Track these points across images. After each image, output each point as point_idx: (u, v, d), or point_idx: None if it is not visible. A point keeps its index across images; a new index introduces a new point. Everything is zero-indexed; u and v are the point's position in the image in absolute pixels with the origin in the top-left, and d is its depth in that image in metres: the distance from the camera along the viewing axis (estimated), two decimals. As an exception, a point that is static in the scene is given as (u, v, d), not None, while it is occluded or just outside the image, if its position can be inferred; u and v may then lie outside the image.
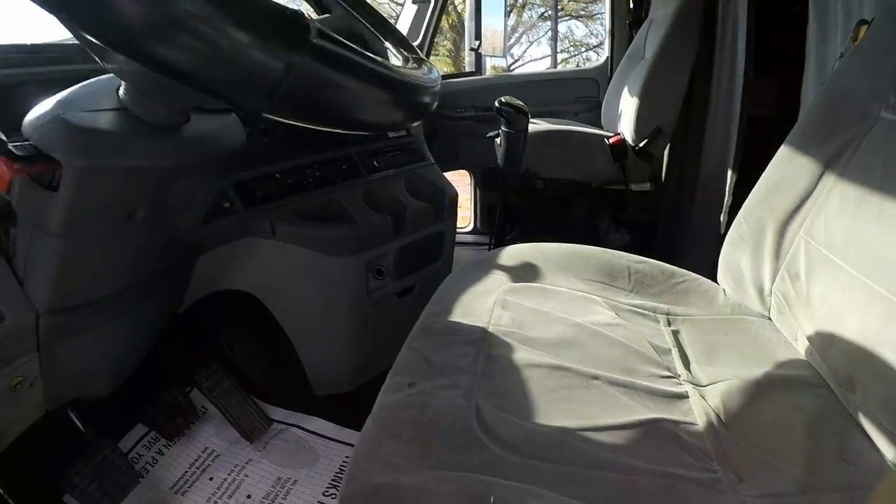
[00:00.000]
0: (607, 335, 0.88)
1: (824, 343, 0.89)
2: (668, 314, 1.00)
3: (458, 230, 2.84)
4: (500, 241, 1.76)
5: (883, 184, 0.84)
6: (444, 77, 2.74)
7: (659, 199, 2.37)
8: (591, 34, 10.52)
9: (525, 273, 1.04)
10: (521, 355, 0.79)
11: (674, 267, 1.13)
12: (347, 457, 1.30)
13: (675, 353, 0.90)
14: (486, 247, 2.31)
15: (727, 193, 1.89)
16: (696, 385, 0.84)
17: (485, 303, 0.92)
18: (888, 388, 0.75)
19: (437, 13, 2.55)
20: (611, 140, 2.05)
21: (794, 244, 0.96)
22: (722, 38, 1.97)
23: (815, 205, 0.94)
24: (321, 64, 0.53)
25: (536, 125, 2.38)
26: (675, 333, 0.96)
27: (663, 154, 2.18)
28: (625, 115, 2.21)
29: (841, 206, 0.90)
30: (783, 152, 1.02)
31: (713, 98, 2.02)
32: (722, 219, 1.91)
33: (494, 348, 0.80)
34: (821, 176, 0.94)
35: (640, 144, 2.05)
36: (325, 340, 1.40)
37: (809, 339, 0.93)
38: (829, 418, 0.82)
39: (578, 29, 10.95)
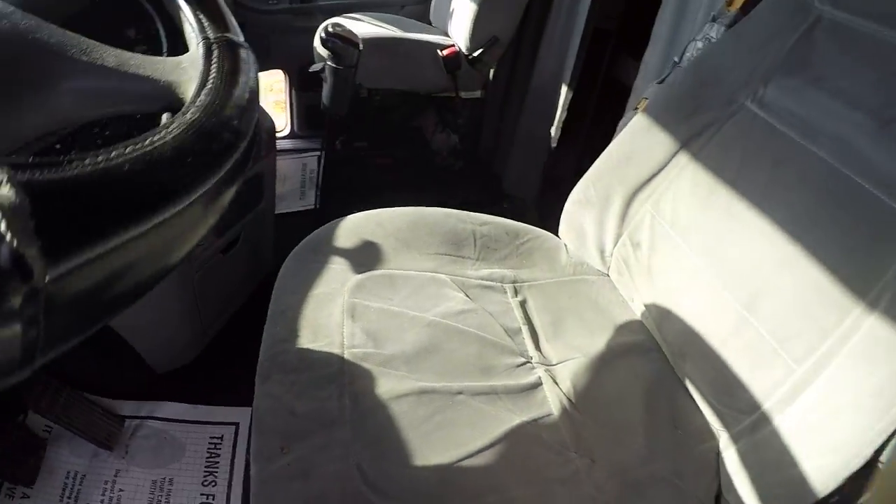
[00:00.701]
0: (461, 330, 0.88)
1: (660, 314, 0.96)
2: (514, 282, 1.02)
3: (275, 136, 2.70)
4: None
5: (736, 179, 0.88)
6: None
7: (488, 105, 2.36)
8: None
9: (367, 256, 0.99)
10: (385, 386, 0.77)
11: (518, 225, 1.13)
12: (212, 437, 1.27)
13: (524, 330, 0.93)
14: (306, 154, 2.22)
15: (560, 107, 1.90)
16: (548, 366, 0.88)
17: (332, 313, 0.86)
18: (714, 370, 0.85)
19: None
20: (444, 52, 1.93)
21: (640, 214, 1.00)
22: None
23: (666, 180, 0.97)
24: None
25: (356, 22, 2.19)
26: (523, 305, 0.98)
27: (496, 62, 2.11)
28: (459, 20, 2.07)
29: (691, 190, 0.93)
30: (641, 122, 1.02)
31: (556, 5, 1.96)
32: (552, 132, 1.94)
33: (357, 382, 0.77)
34: (676, 153, 0.96)
35: (475, 54, 1.96)
36: (154, 318, 1.26)
37: (646, 305, 1.00)
38: (663, 383, 0.92)
39: None
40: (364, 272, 0.94)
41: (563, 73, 1.89)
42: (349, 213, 2.00)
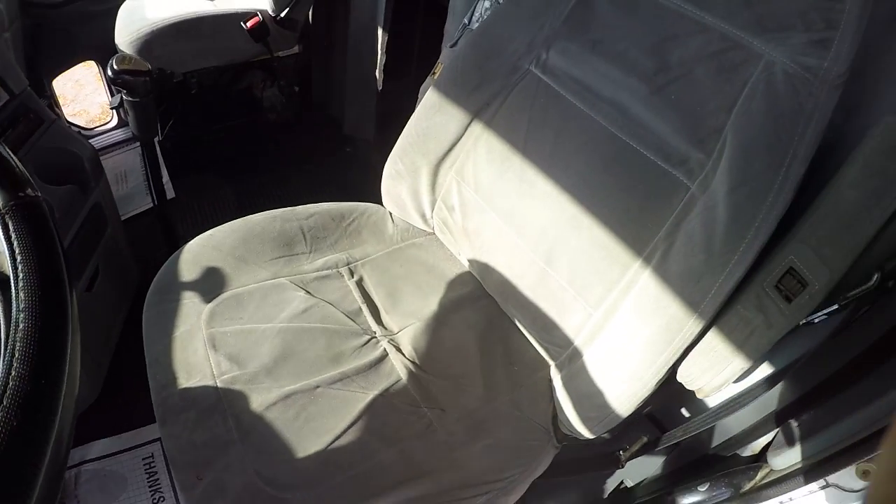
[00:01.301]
0: (308, 328, 0.98)
1: (481, 267, 1.09)
2: (348, 263, 1.11)
3: (99, 126, 2.54)
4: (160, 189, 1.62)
5: (526, 145, 0.98)
6: None
7: (309, 58, 2.35)
8: None
9: (212, 283, 1.04)
10: (256, 401, 0.87)
11: (342, 206, 1.21)
12: (144, 458, 1.35)
13: (365, 309, 1.04)
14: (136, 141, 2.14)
15: (379, 51, 1.94)
16: (391, 337, 1.01)
17: (197, 349, 0.93)
18: (532, 312, 0.99)
19: None
20: (248, 24, 1.89)
21: (448, 181, 1.09)
22: None
23: (465, 150, 1.06)
24: None
25: (155, 11, 2.03)
26: (360, 284, 1.08)
27: (308, 15, 2.08)
28: None
29: (488, 158, 1.03)
30: (432, 98, 1.07)
31: None
32: (377, 75, 1.98)
33: (234, 405, 0.86)
34: (469, 124, 1.04)
35: (282, 14, 1.92)
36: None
37: (469, 260, 1.13)
38: (495, 327, 1.06)
39: None
40: (213, 299, 1.01)
41: (378, 13, 1.91)
42: (200, 201, 2.06)
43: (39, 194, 0.51)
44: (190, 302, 1.01)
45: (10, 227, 0.47)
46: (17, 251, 0.46)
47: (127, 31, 1.87)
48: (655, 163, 0.84)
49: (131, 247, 1.64)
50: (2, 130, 1.29)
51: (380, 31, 1.91)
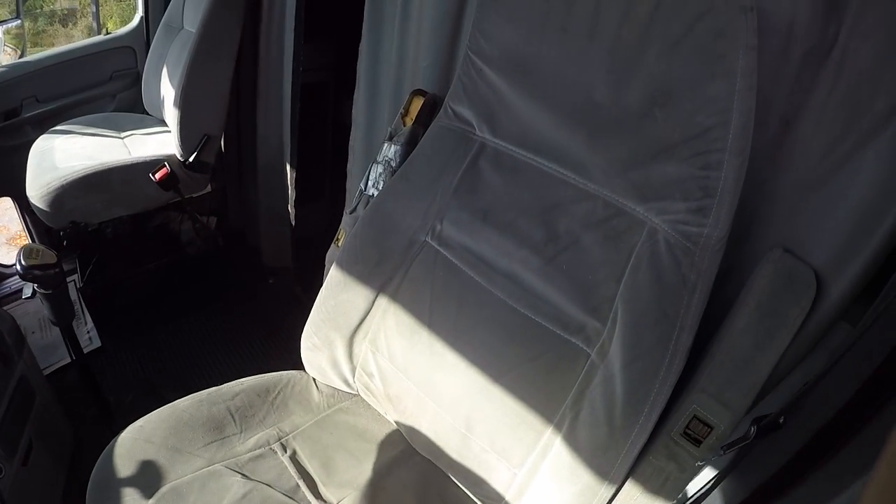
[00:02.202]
0: None
1: (408, 429, 1.10)
2: (279, 439, 1.11)
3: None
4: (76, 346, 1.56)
5: (431, 318, 1.00)
6: None
7: (223, 192, 2.39)
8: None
9: (149, 477, 1.02)
10: None
11: (266, 379, 1.21)
12: None
13: (302, 484, 1.02)
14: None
15: (290, 186, 2.00)
16: None
17: None
18: (462, 469, 1.01)
19: None
20: (156, 176, 1.91)
21: (364, 351, 1.11)
22: (269, 11, 1.92)
23: (374, 322, 1.08)
24: None
25: (66, 137, 2.13)
26: (294, 458, 1.07)
27: (216, 155, 2.11)
28: (169, 118, 2.06)
29: (397, 329, 1.05)
30: (337, 276, 1.10)
31: (262, 79, 2.02)
32: (290, 210, 2.03)
33: None
34: (375, 299, 1.07)
35: (191, 159, 1.96)
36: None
37: (396, 421, 1.13)
38: (430, 482, 1.07)
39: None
40: (152, 494, 0.98)
41: (285, 142, 1.97)
42: (126, 346, 2.05)
43: None
44: (130, 499, 0.99)
45: None
46: None
47: (37, 182, 1.87)
48: (555, 332, 0.88)
49: (61, 405, 1.60)
50: None
51: (288, 167, 1.97)
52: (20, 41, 2.49)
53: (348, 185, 1.55)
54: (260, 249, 2.36)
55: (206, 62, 1.88)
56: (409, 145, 1.16)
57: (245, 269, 2.40)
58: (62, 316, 1.42)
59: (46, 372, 1.67)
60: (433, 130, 1.07)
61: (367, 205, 1.20)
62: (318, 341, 1.15)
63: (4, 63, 2.34)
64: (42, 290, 1.34)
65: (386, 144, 1.21)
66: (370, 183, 1.22)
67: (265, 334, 2.13)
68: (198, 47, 1.85)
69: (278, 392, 1.20)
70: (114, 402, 1.80)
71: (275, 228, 2.22)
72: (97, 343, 2.07)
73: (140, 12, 2.55)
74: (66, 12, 9.74)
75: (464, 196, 1.01)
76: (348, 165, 1.55)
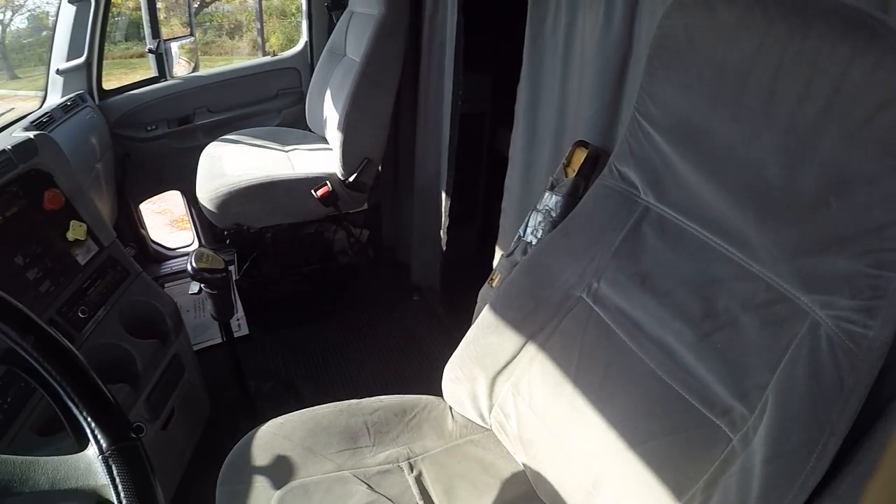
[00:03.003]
0: None
1: (534, 475, 1.13)
2: (409, 458, 1.18)
3: (181, 248, 2.85)
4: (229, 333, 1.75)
5: (577, 374, 1.03)
6: (123, 89, 2.53)
7: (378, 211, 2.55)
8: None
9: (282, 470, 1.13)
10: None
11: (405, 401, 1.29)
12: None
13: None
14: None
15: (443, 213, 2.09)
16: None
17: None
18: None
19: (101, 12, 2.28)
20: (318, 193, 2.07)
21: (504, 392, 1.15)
22: (430, 42, 2.05)
23: (520, 367, 1.12)
24: None
25: (234, 146, 2.37)
26: (419, 479, 1.14)
27: (375, 175, 2.25)
28: (331, 136, 2.23)
29: (542, 378, 1.08)
30: (489, 319, 1.16)
31: (422, 107, 2.14)
32: (442, 234, 2.12)
33: None
34: (523, 346, 1.11)
35: (350, 179, 2.11)
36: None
37: (524, 464, 1.17)
38: None
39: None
40: (282, 486, 1.09)
41: (442, 169, 2.06)
42: (271, 338, 2.27)
43: (139, 437, 0.62)
44: (261, 486, 1.10)
45: (114, 469, 0.58)
46: (120, 489, 0.58)
47: (207, 185, 2.10)
48: (699, 410, 0.86)
49: (204, 382, 1.79)
50: (91, 281, 1.48)
51: (443, 193, 2.06)
52: (193, 55, 2.78)
53: (502, 222, 1.61)
54: (408, 267, 2.49)
55: (370, 90, 2.03)
56: (570, 197, 1.21)
57: (392, 284, 2.55)
58: (223, 313, 1.61)
59: (196, 348, 1.86)
60: (597, 189, 1.09)
61: (524, 251, 1.26)
62: (461, 374, 1.22)
63: (180, 75, 2.67)
64: (208, 290, 1.52)
65: (547, 194, 1.26)
66: (529, 230, 1.27)
67: (403, 349, 2.25)
68: (362, 75, 2.00)
69: (415, 414, 1.28)
70: (253, 386, 1.98)
71: (425, 249, 2.34)
72: (245, 331, 2.30)
73: (305, 38, 2.82)
74: (233, 26, 10.72)
75: (623, 259, 1.02)
76: (503, 203, 1.61)
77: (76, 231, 1.50)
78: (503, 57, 2.15)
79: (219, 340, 2.18)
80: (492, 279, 1.39)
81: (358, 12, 2.31)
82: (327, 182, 2.10)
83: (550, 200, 1.25)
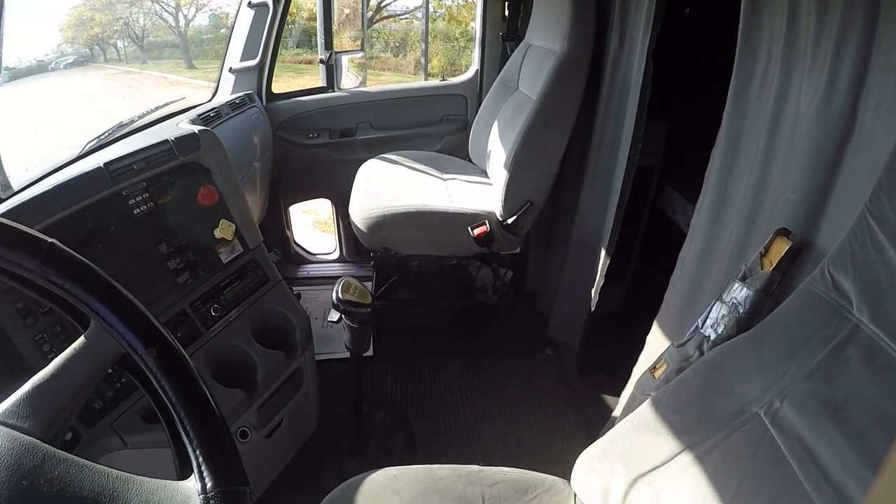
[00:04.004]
0: None
1: None
2: None
3: (322, 254, 2.90)
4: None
5: (734, 499, 0.90)
6: (291, 94, 2.63)
7: (526, 255, 2.49)
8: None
9: None
10: None
11: (527, 478, 1.20)
12: None
13: None
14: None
15: (598, 272, 1.97)
16: None
17: None
18: None
19: (278, 18, 2.41)
20: (476, 232, 2.01)
21: (642, 498, 1.04)
22: (610, 85, 1.97)
23: (667, 476, 1.00)
24: None
25: (391, 165, 2.39)
26: None
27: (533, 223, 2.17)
28: (495, 173, 2.17)
29: (690, 494, 0.96)
30: (647, 416, 1.05)
31: (593, 155, 2.06)
32: (594, 293, 2.01)
33: None
34: (679, 453, 0.99)
35: (509, 221, 2.03)
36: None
37: None
38: None
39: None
40: None
41: (606, 223, 1.96)
42: (392, 364, 2.25)
43: (247, 489, 0.57)
44: None
45: None
46: None
47: (361, 204, 2.11)
48: None
49: (319, 396, 1.78)
50: (230, 281, 1.50)
51: (603, 251, 1.95)
52: (361, 70, 2.83)
53: (669, 296, 1.50)
54: (547, 318, 2.40)
55: (542, 130, 1.96)
56: (763, 293, 1.08)
57: (526, 333, 2.46)
58: (359, 347, 1.59)
59: (317, 359, 1.84)
60: (802, 294, 0.96)
61: (699, 345, 1.15)
62: (599, 467, 1.12)
63: (347, 88, 2.73)
64: (348, 322, 1.50)
65: (737, 285, 1.13)
66: (709, 322, 1.15)
67: (528, 409, 2.13)
68: (536, 114, 1.93)
69: (536, 494, 1.19)
70: (366, 411, 1.95)
71: (570, 304, 2.23)
72: (370, 351, 2.27)
73: (476, 66, 2.79)
74: (398, 44, 11.25)
75: (818, 381, 0.88)
76: (674, 275, 1.49)
77: (224, 230, 1.53)
78: (678, 105, 2.06)
79: (341, 356, 2.21)
80: (655, 368, 1.27)
81: (536, 45, 2.27)
82: (486, 222, 2.04)
83: (740, 293, 1.12)
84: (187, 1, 8.60)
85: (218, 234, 1.52)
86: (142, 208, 1.39)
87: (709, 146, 1.41)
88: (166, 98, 2.11)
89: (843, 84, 1.04)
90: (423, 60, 9.78)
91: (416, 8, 10.83)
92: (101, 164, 1.31)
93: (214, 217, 1.53)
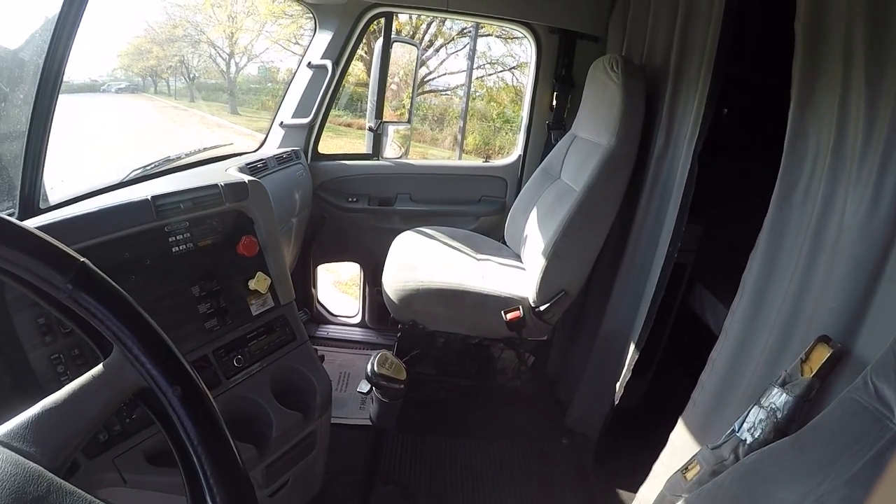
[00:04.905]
0: None
1: None
2: None
3: (344, 316, 2.92)
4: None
5: None
6: (336, 157, 2.73)
7: (550, 341, 2.50)
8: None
9: None
10: None
11: None
12: None
13: None
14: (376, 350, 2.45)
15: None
16: None
17: None
18: None
19: (334, 81, 2.53)
20: (508, 317, 2.04)
21: None
22: (653, 182, 2.02)
23: None
24: None
25: (427, 240, 2.44)
26: None
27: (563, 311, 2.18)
28: (530, 260, 2.21)
29: None
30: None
31: (630, 250, 2.10)
32: (618, 387, 2.01)
33: None
34: None
35: (542, 308, 2.06)
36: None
37: None
38: None
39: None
40: None
41: (637, 317, 1.98)
42: (404, 437, 2.23)
43: None
44: None
45: None
46: None
47: (395, 276, 2.14)
48: None
49: (328, 460, 1.75)
50: (257, 334, 1.51)
51: (632, 346, 1.96)
52: (405, 141, 2.90)
53: (697, 395, 1.50)
54: (565, 407, 2.39)
55: (583, 221, 2.00)
56: (802, 399, 1.09)
57: (543, 420, 2.44)
58: (385, 421, 1.58)
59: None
60: (844, 402, 0.98)
61: (734, 448, 1.14)
62: None
63: (390, 158, 2.82)
64: (378, 396, 1.51)
65: (776, 390, 1.15)
66: (745, 426, 1.16)
67: (540, 493, 2.10)
68: (579, 207, 1.98)
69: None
70: (374, 483, 1.90)
71: (592, 396, 2.22)
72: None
73: (519, 151, 2.88)
74: (436, 118, 11.61)
75: (857, 489, 0.89)
76: (703, 375, 1.50)
77: (259, 283, 1.54)
78: (712, 204, 2.09)
79: (352, 422, 2.22)
80: (687, 469, 1.27)
81: (582, 137, 2.33)
82: (520, 307, 2.07)
83: (779, 399, 1.13)
84: (241, 49, 9.01)
85: (252, 285, 1.53)
86: (181, 247, 1.41)
87: (741, 246, 1.45)
88: (208, 137, 2.19)
89: (888, 196, 1.09)
90: (459, 137, 10.04)
91: (457, 86, 11.17)
92: (149, 197, 1.34)
93: (251, 268, 1.54)
